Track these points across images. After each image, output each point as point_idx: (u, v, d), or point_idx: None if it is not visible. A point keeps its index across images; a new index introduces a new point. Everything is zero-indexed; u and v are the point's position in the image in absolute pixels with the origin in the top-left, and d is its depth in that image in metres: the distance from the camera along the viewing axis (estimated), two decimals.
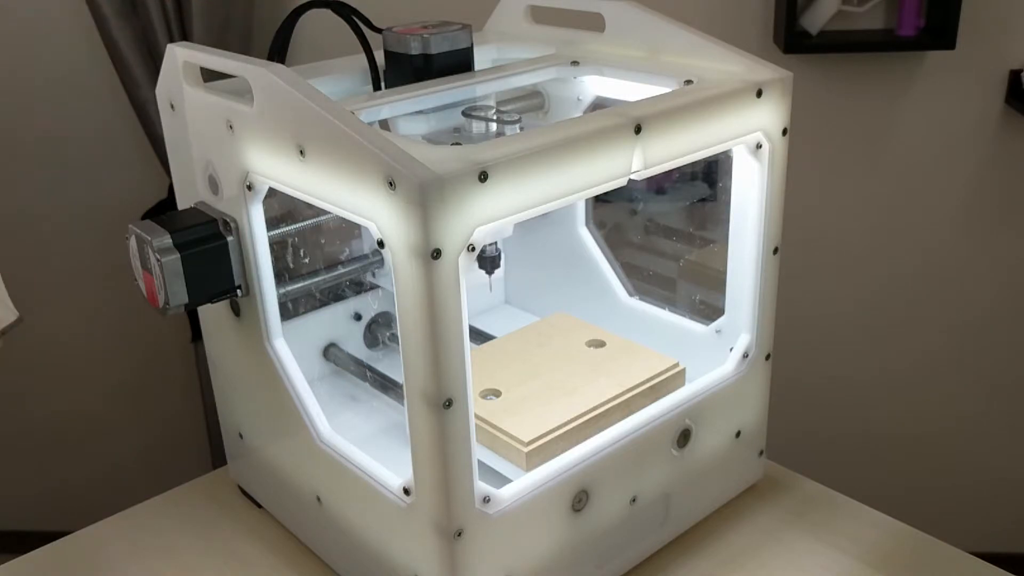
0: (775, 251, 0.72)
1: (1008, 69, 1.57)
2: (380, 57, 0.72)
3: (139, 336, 1.87)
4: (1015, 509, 1.89)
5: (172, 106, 0.69)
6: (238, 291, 0.67)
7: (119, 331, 1.87)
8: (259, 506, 0.80)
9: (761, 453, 0.80)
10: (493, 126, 0.68)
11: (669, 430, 0.69)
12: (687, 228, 0.85)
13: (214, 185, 0.67)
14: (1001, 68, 1.57)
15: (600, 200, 0.88)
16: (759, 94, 0.66)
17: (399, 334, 0.54)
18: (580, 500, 0.65)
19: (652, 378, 0.72)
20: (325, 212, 0.66)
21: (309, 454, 0.67)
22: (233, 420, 0.78)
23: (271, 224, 0.66)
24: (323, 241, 0.77)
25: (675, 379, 0.73)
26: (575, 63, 0.76)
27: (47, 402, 1.92)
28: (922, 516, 1.02)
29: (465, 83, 0.70)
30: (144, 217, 0.68)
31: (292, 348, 0.68)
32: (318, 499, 0.69)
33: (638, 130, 0.59)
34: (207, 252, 0.65)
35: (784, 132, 0.69)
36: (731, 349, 0.74)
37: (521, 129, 0.66)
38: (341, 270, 0.78)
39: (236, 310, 0.70)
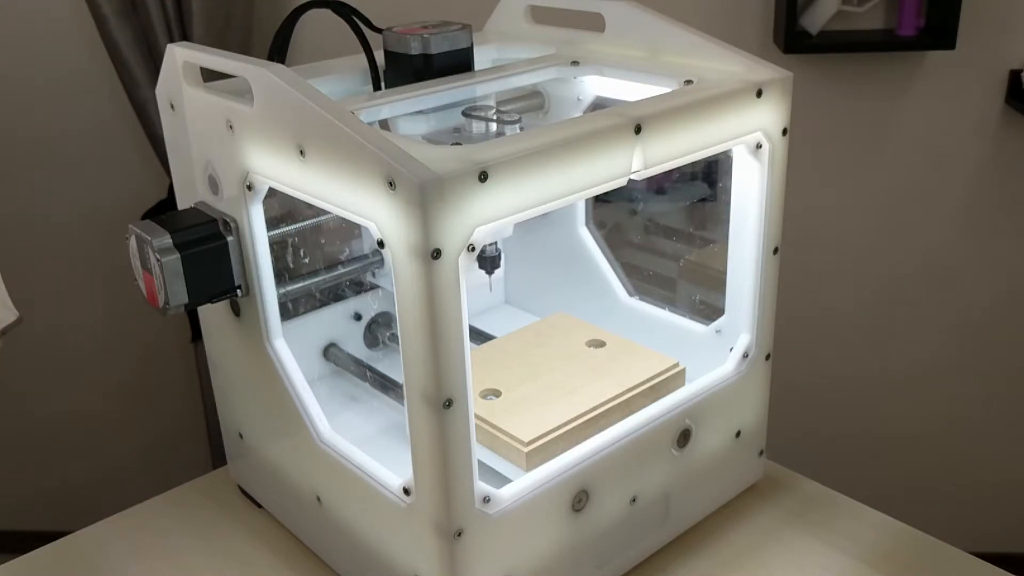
0: (775, 251, 0.72)
1: (1008, 69, 1.57)
2: (380, 57, 0.72)
3: (139, 336, 1.87)
4: (1015, 509, 1.89)
5: (172, 106, 0.69)
6: (238, 291, 0.67)
7: (119, 331, 1.87)
8: (259, 506, 0.80)
9: (761, 453, 0.80)
10: (493, 126, 0.68)
11: (669, 430, 0.69)
12: (687, 228, 0.85)
13: (214, 185, 0.67)
14: (1001, 68, 1.57)
15: (600, 200, 0.88)
16: (759, 94, 0.66)
17: (399, 334, 0.54)
18: (580, 500, 0.65)
19: (652, 378, 0.72)
20: (325, 212, 0.66)
21: (309, 454, 0.67)
22: (233, 420, 0.78)
23: (271, 224, 0.66)
24: (323, 241, 0.77)
25: (675, 379, 0.73)
26: (575, 63, 0.76)
27: (47, 402, 1.92)
28: (922, 516, 1.02)
29: (465, 83, 0.70)
30: (144, 217, 0.68)
31: (292, 348, 0.68)
32: (318, 499, 0.69)
33: (638, 130, 0.59)
34: (207, 252, 0.65)
35: (784, 132, 0.69)
36: (731, 349, 0.74)
37: (521, 129, 0.66)
38: (341, 270, 0.78)
39: (236, 310, 0.70)
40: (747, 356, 0.74)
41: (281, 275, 0.74)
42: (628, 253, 0.88)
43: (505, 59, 0.81)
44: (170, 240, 0.63)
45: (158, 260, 0.63)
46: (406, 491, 0.59)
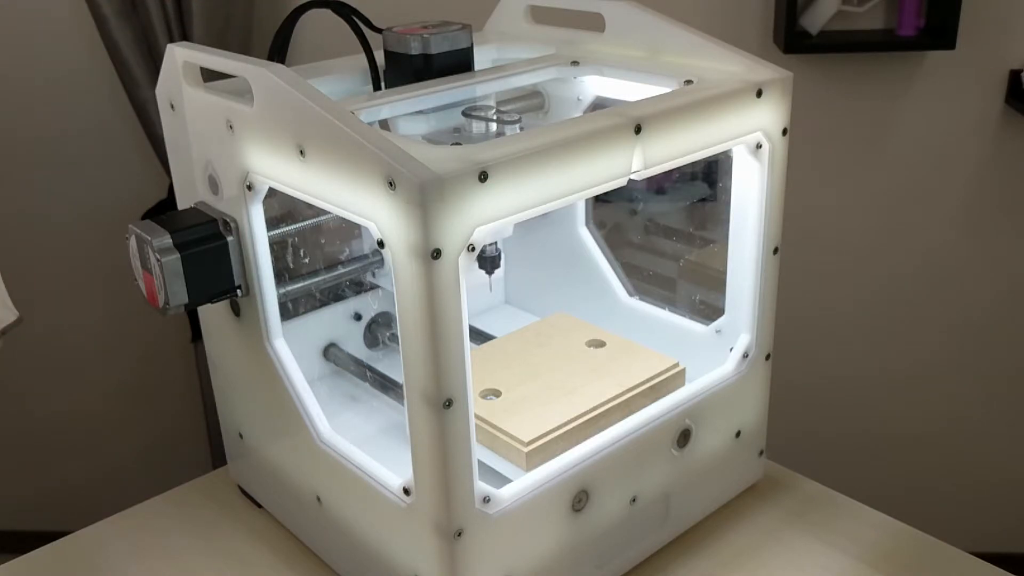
0: (775, 251, 0.72)
1: (1008, 69, 1.57)
2: (380, 57, 0.72)
3: (139, 336, 1.87)
4: (1015, 509, 1.89)
5: (172, 106, 0.69)
6: (238, 291, 0.67)
7: (119, 331, 1.87)
8: (259, 506, 0.80)
9: (761, 453, 0.80)
10: (493, 126, 0.68)
11: (669, 430, 0.69)
12: (687, 228, 0.85)
13: (214, 185, 0.67)
14: (1001, 68, 1.57)
15: (600, 200, 0.88)
16: (759, 94, 0.66)
17: (399, 334, 0.54)
18: (580, 500, 0.65)
19: (652, 378, 0.72)
20: (325, 212, 0.66)
21: (309, 454, 0.67)
22: (233, 420, 0.78)
23: (271, 224, 0.66)
24: (323, 241, 0.77)
25: (675, 379, 0.73)
26: (575, 63, 0.76)
27: (47, 402, 1.92)
28: (922, 516, 1.02)
29: (465, 83, 0.70)
30: (144, 217, 0.68)
31: (292, 348, 0.68)
32: (318, 499, 0.69)
33: (638, 130, 0.59)
34: (207, 252, 0.65)
35: (784, 132, 0.69)
36: (731, 349, 0.74)
37: (521, 129, 0.66)
38: (341, 270, 0.78)
39: (236, 310, 0.70)
40: (747, 356, 0.74)
41: (281, 275, 0.74)
42: (628, 253, 0.88)
43: (505, 59, 0.81)
44: (170, 240, 0.63)
45: (158, 260, 0.63)
46: (406, 491, 0.59)
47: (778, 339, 0.76)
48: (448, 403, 0.54)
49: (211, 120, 0.64)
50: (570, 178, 0.56)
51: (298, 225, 0.75)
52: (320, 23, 0.87)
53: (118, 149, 1.72)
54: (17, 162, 1.72)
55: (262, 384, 0.70)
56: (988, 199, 1.67)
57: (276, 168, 0.60)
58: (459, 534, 0.58)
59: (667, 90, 0.65)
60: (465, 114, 0.69)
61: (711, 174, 0.81)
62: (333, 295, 0.81)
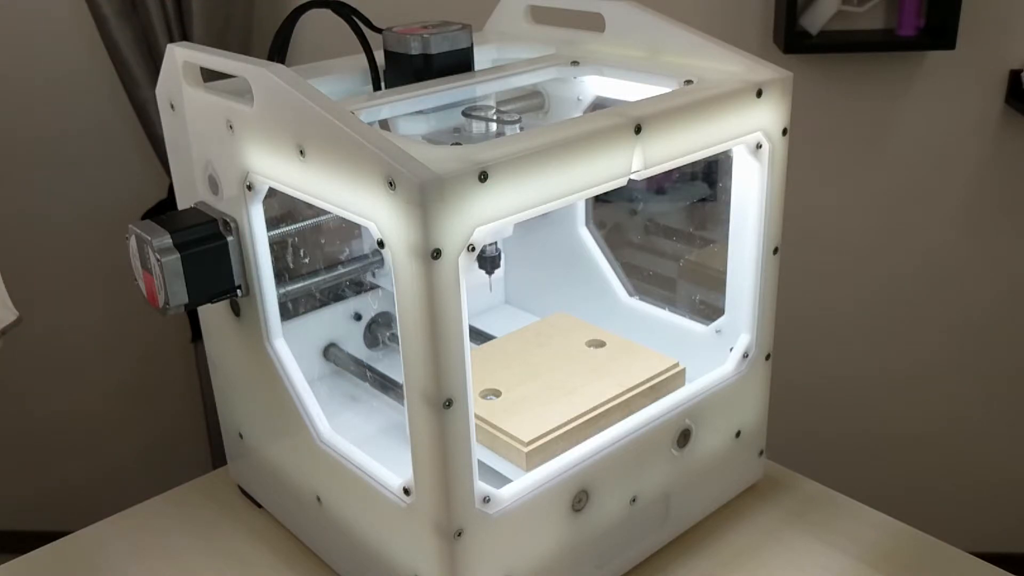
0: (775, 251, 0.72)
1: (1008, 69, 1.57)
2: (380, 57, 0.72)
3: (139, 336, 1.87)
4: (1015, 509, 1.89)
5: (172, 106, 0.69)
6: (238, 291, 0.67)
7: (119, 331, 1.87)
8: (259, 506, 0.80)
9: (761, 453, 0.80)
10: (493, 126, 0.68)
11: (669, 430, 0.69)
12: (687, 228, 0.85)
13: (214, 185, 0.67)
14: (1001, 68, 1.57)
15: (600, 200, 0.88)
16: (759, 94, 0.66)
17: (399, 334, 0.54)
18: (580, 500, 0.65)
19: (652, 378, 0.72)
20: (325, 212, 0.66)
21: (309, 454, 0.67)
22: (233, 420, 0.78)
23: (271, 224, 0.66)
24: (323, 241, 0.77)
25: (675, 379, 0.73)
26: (575, 63, 0.76)
27: (47, 402, 1.92)
28: (922, 516, 1.02)
29: (465, 83, 0.70)
30: (144, 217, 0.68)
31: (292, 348, 0.68)
32: (318, 499, 0.69)
33: (638, 130, 0.59)
34: (207, 252, 0.65)
35: (784, 132, 0.69)
36: (731, 349, 0.74)
37: (521, 129, 0.66)
38: (341, 270, 0.78)
39: (236, 310, 0.70)
40: (747, 356, 0.74)
41: (281, 275, 0.74)
42: (628, 253, 0.88)
43: (505, 59, 0.81)
44: (170, 240, 0.63)
45: (158, 260, 0.63)
46: (406, 491, 0.59)
47: (778, 339, 0.76)
48: (448, 403, 0.54)
49: (211, 120, 0.64)
50: (570, 178, 0.56)
51: (298, 225, 0.75)
52: (320, 23, 0.87)
53: (118, 149, 1.72)
54: (17, 162, 1.72)
55: (262, 384, 0.70)
56: (988, 199, 1.67)
57: (276, 168, 0.60)
58: (459, 534, 0.58)
59: (667, 90, 0.65)
60: (465, 114, 0.69)
61: (711, 174, 0.81)
62: (333, 295, 0.81)
